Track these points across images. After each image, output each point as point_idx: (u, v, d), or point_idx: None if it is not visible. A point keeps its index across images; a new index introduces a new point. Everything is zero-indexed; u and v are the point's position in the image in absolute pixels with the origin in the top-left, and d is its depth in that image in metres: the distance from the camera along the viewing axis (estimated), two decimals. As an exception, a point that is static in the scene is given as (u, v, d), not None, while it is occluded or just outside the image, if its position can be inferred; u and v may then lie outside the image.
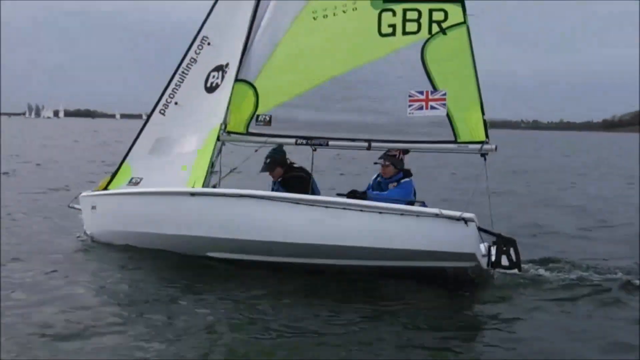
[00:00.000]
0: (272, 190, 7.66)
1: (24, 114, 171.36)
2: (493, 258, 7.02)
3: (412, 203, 7.26)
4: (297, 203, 7.05)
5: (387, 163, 7.52)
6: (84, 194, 8.81)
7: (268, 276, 7.03)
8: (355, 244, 6.83)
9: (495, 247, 7.05)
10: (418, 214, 6.77)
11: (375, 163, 7.71)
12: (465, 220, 6.59)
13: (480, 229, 6.97)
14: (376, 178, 7.68)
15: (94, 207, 8.49)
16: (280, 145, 7.94)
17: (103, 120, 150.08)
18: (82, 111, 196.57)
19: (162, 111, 8.32)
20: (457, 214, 6.62)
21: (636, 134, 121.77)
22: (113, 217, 8.24)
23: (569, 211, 13.20)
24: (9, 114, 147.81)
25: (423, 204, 7.28)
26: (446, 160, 20.97)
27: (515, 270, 7.00)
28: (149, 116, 8.51)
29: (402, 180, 7.49)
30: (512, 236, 7.06)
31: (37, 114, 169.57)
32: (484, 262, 7.02)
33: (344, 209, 6.91)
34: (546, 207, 13.92)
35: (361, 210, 6.87)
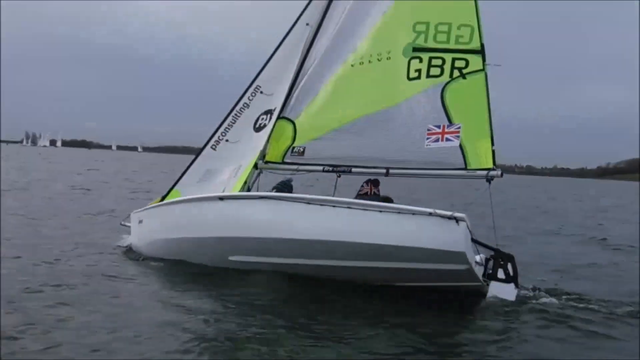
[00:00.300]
0: None
1: (21, 141, 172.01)
2: (490, 271, 7.46)
3: None
4: (308, 203, 7.68)
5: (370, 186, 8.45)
6: (134, 211, 9.95)
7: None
8: (358, 240, 7.27)
9: (492, 260, 7.50)
10: (414, 213, 7.19)
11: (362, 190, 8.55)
12: (457, 220, 6.93)
13: (479, 243, 7.53)
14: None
15: (140, 222, 9.63)
16: (289, 180, 8.92)
17: (100, 151, 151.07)
18: (79, 141, 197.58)
19: (214, 147, 9.59)
20: (448, 213, 6.99)
21: (632, 182, 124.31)
22: (155, 227, 9.29)
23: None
24: (7, 142, 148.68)
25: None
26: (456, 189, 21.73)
27: (512, 285, 7.38)
28: (201, 149, 9.76)
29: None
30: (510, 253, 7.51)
31: (34, 143, 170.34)
32: (478, 270, 7.37)
33: (349, 207, 7.44)
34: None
35: (364, 209, 7.40)
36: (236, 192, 8.57)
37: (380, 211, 7.31)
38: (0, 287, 7.01)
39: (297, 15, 9.20)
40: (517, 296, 7.46)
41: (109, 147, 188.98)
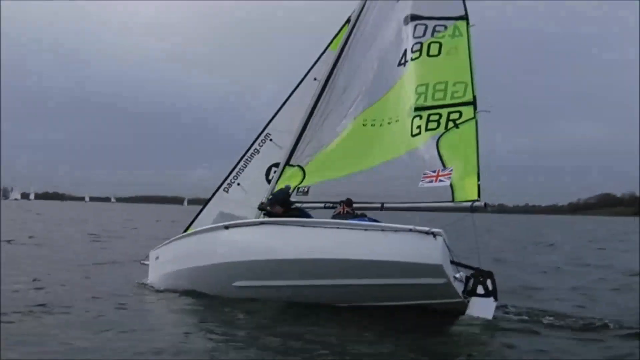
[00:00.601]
0: None
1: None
2: (470, 287, 7.68)
3: None
4: (303, 226, 8.20)
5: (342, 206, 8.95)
6: (152, 250, 10.66)
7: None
8: (347, 256, 7.66)
9: (472, 278, 7.77)
10: (395, 230, 7.52)
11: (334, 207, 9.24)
12: (434, 235, 7.24)
13: (460, 264, 7.92)
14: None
15: (157, 258, 10.31)
16: (287, 187, 9.42)
17: (74, 202, 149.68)
18: (51, 194, 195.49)
19: (226, 189, 10.43)
20: (426, 229, 7.31)
21: (602, 216, 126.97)
22: (168, 261, 9.93)
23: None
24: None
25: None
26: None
27: (491, 299, 7.61)
28: (214, 192, 10.56)
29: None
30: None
31: (5, 196, 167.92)
32: (457, 286, 7.58)
33: (338, 228, 7.98)
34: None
35: (351, 229, 7.87)
36: (239, 221, 9.19)
37: (366, 230, 7.76)
38: (1, 292, 7.66)
39: (305, 71, 10.31)
40: (496, 309, 7.80)
41: (82, 199, 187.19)
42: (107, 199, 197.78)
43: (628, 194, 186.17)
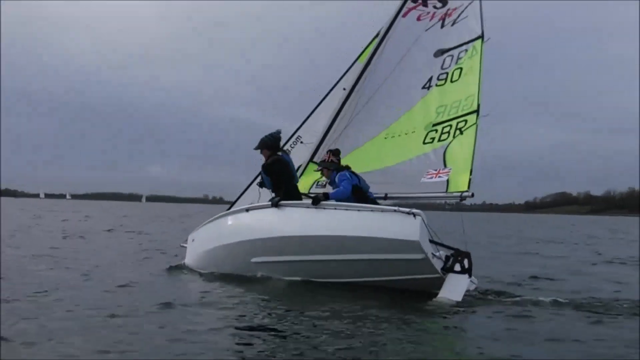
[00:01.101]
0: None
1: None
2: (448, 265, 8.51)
3: (356, 188, 9.35)
4: (307, 207, 9.18)
5: (319, 169, 10.19)
6: (190, 233, 11.63)
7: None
8: (342, 233, 8.68)
9: (452, 257, 8.61)
10: (382, 210, 8.73)
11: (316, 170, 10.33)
12: (414, 215, 8.20)
13: (440, 244, 8.95)
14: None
15: (193, 240, 11.30)
16: (277, 132, 9.91)
17: (29, 199, 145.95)
18: (3, 190, 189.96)
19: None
20: (408, 210, 8.29)
21: (558, 215, 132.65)
22: (201, 242, 10.94)
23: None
24: None
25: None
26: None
27: (466, 275, 8.41)
28: (250, 184, 11.44)
29: (336, 178, 9.59)
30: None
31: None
32: (436, 262, 8.43)
33: (335, 209, 8.97)
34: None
35: (346, 209, 8.90)
36: (258, 204, 10.00)
37: (359, 210, 8.83)
38: (1, 288, 7.90)
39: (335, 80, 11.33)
40: (470, 285, 8.74)
41: (37, 196, 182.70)
42: (62, 196, 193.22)
43: (583, 193, 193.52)
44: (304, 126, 11.44)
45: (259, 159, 9.87)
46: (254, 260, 9.68)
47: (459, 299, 8.09)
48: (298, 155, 11.29)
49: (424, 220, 8.25)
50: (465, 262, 8.45)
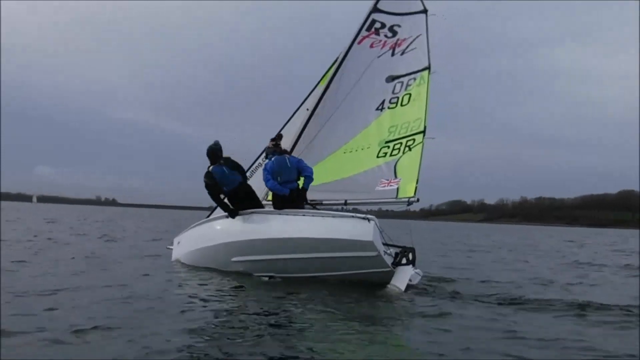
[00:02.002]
0: None
1: None
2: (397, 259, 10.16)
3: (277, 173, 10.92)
4: (279, 214, 10.65)
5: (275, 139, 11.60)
6: (175, 237, 13.46)
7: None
8: (309, 235, 10.04)
9: (400, 253, 10.28)
10: (342, 216, 10.26)
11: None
12: (368, 219, 9.66)
13: (390, 245, 10.50)
14: None
15: (179, 242, 13.05)
16: (214, 143, 11.20)
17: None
18: None
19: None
20: (363, 215, 9.88)
21: (453, 222, 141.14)
22: (186, 244, 12.67)
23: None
24: None
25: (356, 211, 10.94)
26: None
27: (410, 266, 10.04)
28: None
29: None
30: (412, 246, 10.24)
31: None
32: (387, 259, 9.97)
33: (303, 215, 10.46)
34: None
35: (312, 216, 10.43)
36: (239, 212, 11.13)
37: (323, 217, 10.39)
38: (0, 287, 8.26)
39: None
40: (414, 275, 10.25)
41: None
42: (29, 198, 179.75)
43: (478, 201, 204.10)
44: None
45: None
46: (234, 259, 11.09)
47: (404, 286, 9.63)
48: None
49: (376, 224, 9.76)
50: (410, 255, 10.17)
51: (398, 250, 10.58)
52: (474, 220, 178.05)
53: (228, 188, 11.14)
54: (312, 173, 11.23)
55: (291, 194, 11.04)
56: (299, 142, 12.68)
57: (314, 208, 11.43)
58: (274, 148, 11.43)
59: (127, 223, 42.16)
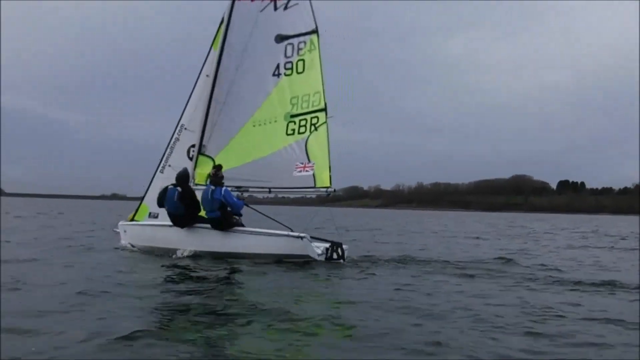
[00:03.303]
0: None
1: None
2: (328, 255, 11.64)
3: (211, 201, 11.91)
4: (232, 232, 11.97)
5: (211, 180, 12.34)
6: (120, 223, 14.24)
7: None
8: (252, 251, 11.71)
9: (330, 248, 11.68)
10: (280, 235, 11.85)
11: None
12: (302, 238, 11.51)
13: (319, 239, 12.05)
14: None
15: (125, 231, 13.95)
16: (184, 169, 12.40)
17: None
18: None
19: (162, 171, 13.50)
20: (297, 234, 11.58)
21: (353, 208, 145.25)
22: (134, 237, 13.60)
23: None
24: None
25: (290, 230, 12.05)
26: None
27: (341, 261, 11.57)
28: (154, 173, 13.65)
29: (222, 191, 11.97)
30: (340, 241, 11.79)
31: None
32: (321, 258, 11.61)
33: (251, 234, 11.94)
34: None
35: (257, 234, 11.89)
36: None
37: (267, 235, 11.92)
38: (1, 285, 8.18)
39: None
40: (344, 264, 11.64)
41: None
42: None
43: (374, 186, 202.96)
44: (184, 115, 13.28)
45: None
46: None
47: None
48: (185, 140, 13.33)
49: (308, 239, 11.58)
50: (339, 250, 11.68)
51: (325, 243, 11.97)
52: (371, 205, 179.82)
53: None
54: (240, 208, 12.10)
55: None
56: (208, 117, 12.93)
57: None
58: (212, 177, 12.17)
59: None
